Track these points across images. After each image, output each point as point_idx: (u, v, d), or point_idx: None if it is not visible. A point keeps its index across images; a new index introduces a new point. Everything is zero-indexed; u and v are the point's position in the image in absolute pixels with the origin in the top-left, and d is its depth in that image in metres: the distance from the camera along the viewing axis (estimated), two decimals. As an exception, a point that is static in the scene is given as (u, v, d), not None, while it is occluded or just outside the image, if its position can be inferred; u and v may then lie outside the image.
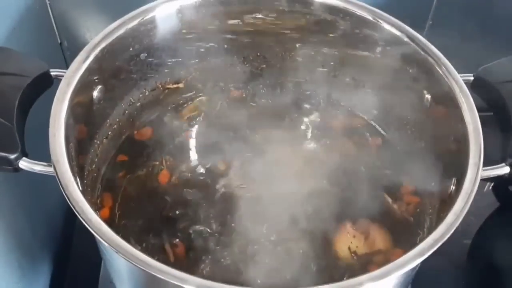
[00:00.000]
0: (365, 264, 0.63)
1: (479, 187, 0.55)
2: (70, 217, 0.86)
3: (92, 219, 0.51)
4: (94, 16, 0.87)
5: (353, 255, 0.64)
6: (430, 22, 0.93)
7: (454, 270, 0.82)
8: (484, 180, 0.58)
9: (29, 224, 0.75)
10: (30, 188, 0.74)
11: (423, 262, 0.52)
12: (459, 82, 0.63)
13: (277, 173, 0.71)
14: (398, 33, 0.68)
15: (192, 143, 0.75)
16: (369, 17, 0.69)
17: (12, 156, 0.55)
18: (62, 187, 0.52)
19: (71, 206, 0.51)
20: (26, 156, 0.56)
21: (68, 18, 0.87)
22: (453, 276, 0.81)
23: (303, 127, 0.78)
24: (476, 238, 0.84)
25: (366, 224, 0.66)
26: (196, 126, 0.77)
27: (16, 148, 0.55)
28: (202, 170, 0.72)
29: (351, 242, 0.65)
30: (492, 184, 0.88)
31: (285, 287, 0.61)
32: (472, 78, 0.66)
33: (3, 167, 0.55)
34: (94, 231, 0.50)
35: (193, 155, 0.74)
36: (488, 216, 0.87)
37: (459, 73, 0.64)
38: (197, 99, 0.79)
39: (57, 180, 0.53)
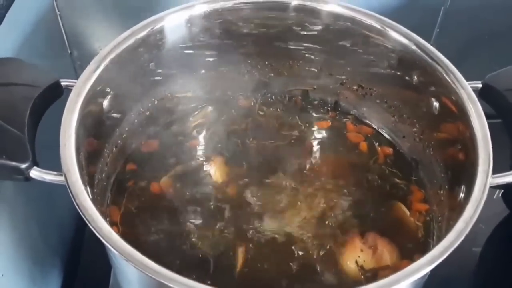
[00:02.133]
0: (371, 279, 0.63)
1: (488, 194, 0.55)
2: (80, 225, 0.87)
3: (103, 227, 0.51)
4: (104, 27, 0.88)
5: (359, 269, 0.63)
6: (438, 30, 0.93)
7: (463, 279, 0.81)
8: (494, 188, 0.57)
9: (40, 233, 0.75)
10: (42, 197, 0.74)
11: (432, 270, 0.52)
12: (467, 90, 0.62)
13: (284, 182, 0.71)
14: (405, 41, 0.68)
15: (200, 152, 0.75)
16: (377, 26, 0.70)
17: (23, 166, 0.55)
18: (73, 196, 0.53)
19: (82, 215, 0.51)
20: (37, 165, 0.56)
21: (78, 29, 0.88)
22: (462, 284, 0.81)
23: (311, 136, 0.78)
24: (485, 246, 0.84)
25: (375, 237, 0.65)
26: (204, 135, 0.77)
27: (27, 158, 0.55)
28: (209, 179, 0.72)
29: (359, 256, 0.64)
30: (502, 192, 0.87)
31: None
32: (480, 85, 0.65)
33: (15, 176, 0.56)
34: (104, 240, 0.50)
35: (201, 164, 0.74)
36: (497, 224, 0.86)
37: (467, 80, 0.64)
38: (206, 108, 0.79)
39: (68, 189, 0.53)
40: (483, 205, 0.54)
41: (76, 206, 0.52)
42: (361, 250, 0.64)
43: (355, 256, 0.64)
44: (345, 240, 0.65)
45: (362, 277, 0.63)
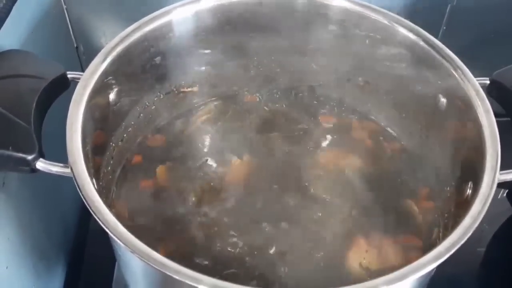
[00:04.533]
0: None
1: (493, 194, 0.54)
2: (84, 219, 0.87)
3: (109, 219, 0.51)
4: (110, 21, 0.88)
5: (365, 271, 0.63)
6: (444, 28, 0.92)
7: (468, 278, 0.81)
8: (500, 187, 0.57)
9: (44, 227, 0.75)
10: (47, 191, 0.74)
11: (437, 270, 0.52)
12: (475, 86, 0.62)
13: (289, 180, 0.71)
14: (413, 36, 0.68)
15: (205, 146, 0.75)
16: (385, 21, 0.69)
17: (30, 157, 0.55)
18: (79, 188, 0.52)
19: (88, 207, 0.51)
20: (43, 157, 0.56)
21: (84, 23, 0.88)
22: (467, 284, 0.80)
23: (316, 131, 0.77)
24: (490, 245, 0.84)
25: (380, 237, 0.65)
26: (210, 130, 0.77)
27: (33, 149, 0.55)
28: (213, 173, 0.71)
29: (364, 258, 0.63)
30: (507, 191, 0.87)
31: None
32: (488, 81, 0.65)
33: (21, 168, 0.56)
34: (110, 231, 0.50)
35: (206, 159, 0.74)
36: (502, 223, 0.86)
37: (474, 77, 0.63)
38: (211, 103, 0.79)
39: (74, 181, 0.53)
40: (488, 205, 0.53)
41: (82, 198, 0.52)
42: (366, 251, 0.64)
43: (360, 257, 0.63)
44: (350, 240, 0.65)
45: (368, 278, 0.62)
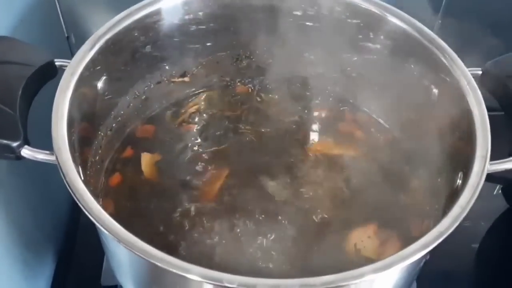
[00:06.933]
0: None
1: (488, 190, 0.54)
2: (74, 211, 0.86)
3: (93, 207, 0.50)
4: (102, 11, 0.87)
5: (356, 252, 0.63)
6: (440, 21, 0.92)
7: (462, 274, 0.80)
8: (491, 181, 0.56)
9: (34, 217, 0.75)
10: (36, 181, 0.74)
11: (430, 265, 0.51)
12: (467, 76, 0.62)
13: (280, 169, 0.70)
14: (405, 26, 0.67)
15: (196, 137, 0.75)
16: (377, 11, 0.69)
17: (15, 144, 0.54)
18: (63, 175, 0.52)
19: (72, 194, 0.51)
20: (29, 144, 0.55)
21: (75, 12, 0.87)
22: (461, 279, 0.80)
23: (309, 123, 0.77)
24: (484, 241, 0.83)
25: (388, 234, 0.64)
26: (201, 121, 0.76)
27: (18, 136, 0.55)
28: (204, 164, 0.71)
29: (362, 241, 0.63)
30: (502, 187, 0.86)
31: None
32: (480, 72, 0.65)
33: (6, 155, 0.55)
34: (94, 219, 0.50)
35: (197, 150, 0.73)
36: (496, 219, 0.86)
37: (468, 68, 0.63)
38: (202, 93, 0.79)
39: (59, 168, 0.53)
40: (484, 202, 0.53)
41: (66, 185, 0.51)
42: (368, 237, 0.64)
43: (358, 239, 0.63)
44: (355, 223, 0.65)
45: (353, 256, 0.62)
